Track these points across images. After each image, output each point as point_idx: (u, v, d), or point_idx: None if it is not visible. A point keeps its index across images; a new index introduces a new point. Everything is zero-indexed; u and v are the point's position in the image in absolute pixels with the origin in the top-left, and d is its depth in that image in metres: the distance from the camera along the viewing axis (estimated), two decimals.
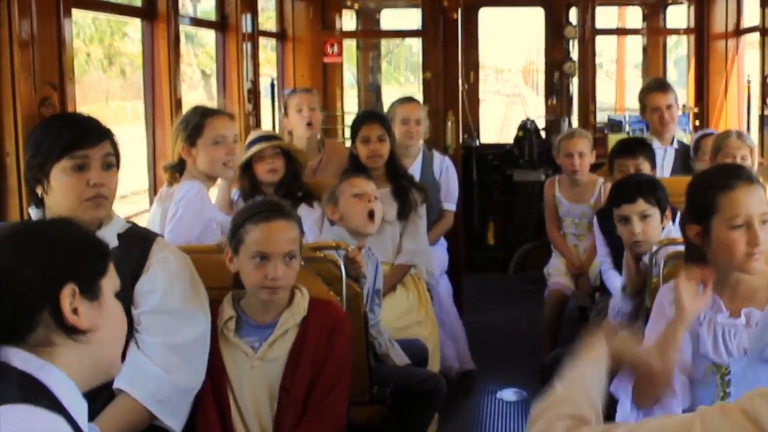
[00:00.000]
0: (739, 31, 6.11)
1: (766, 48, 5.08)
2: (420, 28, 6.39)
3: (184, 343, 2.40)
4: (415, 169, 4.78)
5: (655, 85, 5.03)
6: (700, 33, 6.49)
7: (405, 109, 4.79)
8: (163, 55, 4.00)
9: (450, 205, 4.96)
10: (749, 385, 2.30)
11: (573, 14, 7.15)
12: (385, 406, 3.01)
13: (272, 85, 5.77)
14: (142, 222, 3.24)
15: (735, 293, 2.41)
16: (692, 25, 6.74)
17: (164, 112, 3.98)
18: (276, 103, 5.73)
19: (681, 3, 7.10)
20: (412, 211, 4.23)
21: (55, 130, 2.37)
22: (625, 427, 1.28)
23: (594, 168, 5.05)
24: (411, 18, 7.34)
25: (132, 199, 8.60)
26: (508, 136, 8.08)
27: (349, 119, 7.35)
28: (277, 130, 5.31)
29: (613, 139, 6.15)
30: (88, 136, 2.35)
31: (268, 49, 6.32)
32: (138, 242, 2.43)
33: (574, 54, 7.13)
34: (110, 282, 1.60)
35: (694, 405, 2.47)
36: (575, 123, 7.01)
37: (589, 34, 6.61)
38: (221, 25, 4.79)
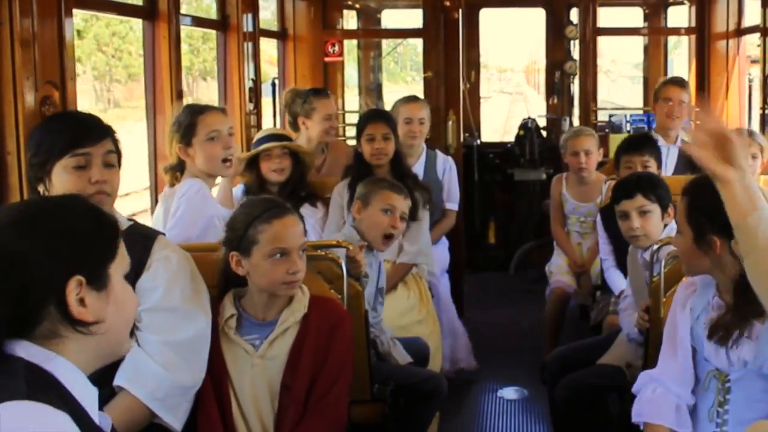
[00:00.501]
0: (739, 31, 6.11)
1: (766, 48, 5.08)
2: (421, 28, 6.38)
3: (185, 341, 2.40)
4: (418, 169, 4.78)
5: (675, 79, 5.09)
6: (701, 33, 6.49)
7: (408, 109, 4.79)
8: (165, 54, 4.00)
9: (452, 205, 4.97)
10: (746, 393, 2.35)
11: (573, 15, 7.16)
12: (385, 404, 3.01)
13: (273, 85, 5.77)
14: (145, 219, 3.24)
15: None
16: (693, 24, 6.74)
17: (165, 112, 3.98)
18: (277, 103, 5.74)
19: (682, 3, 7.10)
20: (417, 211, 4.23)
21: (57, 129, 2.38)
22: None
23: (596, 167, 5.06)
24: (413, 18, 7.34)
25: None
26: (511, 132, 8.07)
27: (350, 118, 7.36)
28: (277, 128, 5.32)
29: (613, 138, 6.16)
30: (89, 135, 2.35)
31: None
32: (140, 240, 2.43)
33: (575, 53, 7.14)
34: (119, 265, 1.55)
35: (697, 405, 2.48)
36: (576, 122, 7.02)
37: (590, 34, 6.61)
38: (222, 24, 4.80)
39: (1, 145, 2.76)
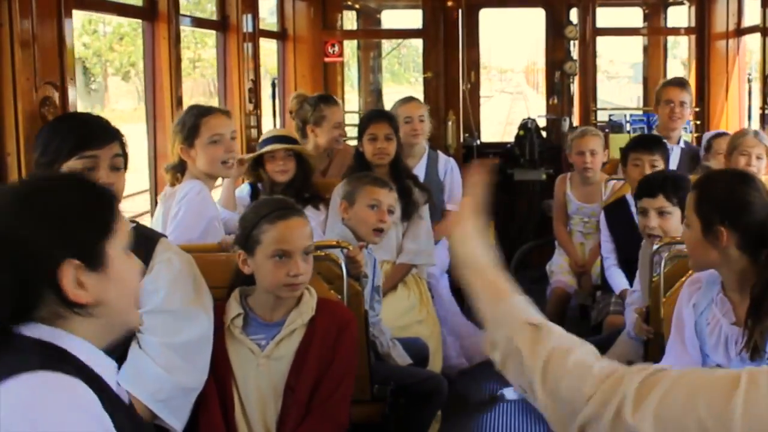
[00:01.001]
0: (739, 31, 6.11)
1: (766, 48, 5.09)
2: (421, 28, 6.39)
3: (186, 343, 2.40)
4: (419, 169, 4.79)
5: (674, 81, 5.09)
6: (701, 33, 6.49)
7: (407, 109, 4.81)
8: (164, 55, 4.01)
9: (453, 206, 4.97)
10: None
11: (573, 15, 7.16)
12: (385, 405, 3.01)
13: (273, 85, 5.77)
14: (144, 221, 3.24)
15: (745, 300, 2.39)
16: (693, 24, 6.74)
17: (165, 112, 3.99)
18: (277, 103, 5.74)
19: (682, 3, 7.10)
20: (416, 211, 4.24)
21: (65, 130, 2.38)
22: (669, 373, 1.24)
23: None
24: (413, 18, 7.33)
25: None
26: (512, 129, 8.09)
27: (350, 118, 7.36)
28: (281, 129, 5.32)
29: (614, 138, 6.16)
30: (97, 137, 2.36)
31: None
32: (142, 242, 2.43)
33: (575, 53, 7.14)
34: (118, 239, 1.51)
35: None
36: (576, 122, 7.01)
37: (590, 34, 6.62)
38: (222, 25, 4.80)
39: (1, 146, 2.76)
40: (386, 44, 8.94)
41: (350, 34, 7.48)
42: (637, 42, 7.93)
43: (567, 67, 7.17)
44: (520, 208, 7.29)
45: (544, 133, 7.15)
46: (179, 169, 3.46)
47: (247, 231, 2.59)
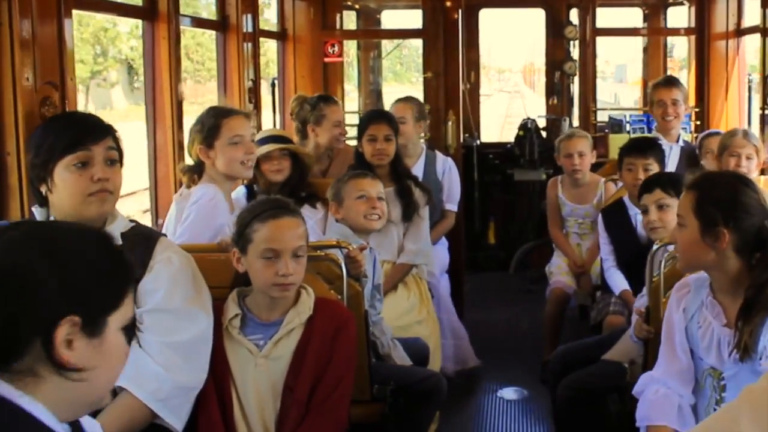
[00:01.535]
0: (739, 32, 6.11)
1: (766, 48, 5.08)
2: (421, 28, 6.39)
3: (186, 342, 2.41)
4: (417, 169, 4.79)
5: (662, 81, 5.04)
6: (701, 33, 6.49)
7: (395, 110, 4.86)
8: (164, 55, 4.00)
9: (452, 205, 4.97)
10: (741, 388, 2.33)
11: (573, 15, 7.16)
12: (385, 404, 3.01)
13: (273, 85, 5.77)
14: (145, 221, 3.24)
15: (736, 302, 2.39)
16: (693, 25, 6.74)
17: (165, 112, 3.99)
18: (277, 103, 5.74)
19: (682, 3, 7.11)
20: (417, 211, 4.24)
21: (57, 129, 2.38)
22: None
23: (595, 167, 5.06)
24: (413, 18, 7.34)
25: None
26: (511, 122, 8.11)
27: (350, 119, 7.36)
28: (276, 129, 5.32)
29: (613, 138, 6.17)
30: (90, 133, 2.35)
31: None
32: (142, 241, 2.44)
33: (575, 54, 7.14)
34: (122, 315, 1.42)
35: (696, 403, 2.49)
36: (576, 123, 7.02)
37: (590, 35, 6.61)
38: (222, 25, 4.80)
39: (1, 145, 2.76)
40: (387, 44, 8.94)
41: (350, 35, 7.48)
42: (626, 44, 7.93)
43: (567, 67, 7.17)
44: (520, 208, 7.30)
45: (543, 134, 7.16)
46: (196, 171, 3.46)
47: (241, 229, 2.60)
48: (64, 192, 2.33)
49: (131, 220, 2.53)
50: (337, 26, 6.90)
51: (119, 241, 2.38)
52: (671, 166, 4.77)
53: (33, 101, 2.77)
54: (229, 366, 2.57)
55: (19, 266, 1.32)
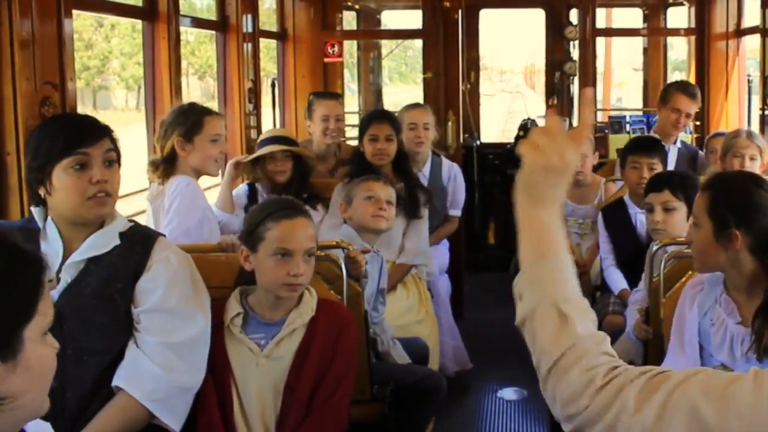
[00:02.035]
0: (739, 32, 6.11)
1: (766, 48, 5.08)
2: (421, 28, 6.39)
3: (183, 343, 2.40)
4: (423, 175, 4.79)
5: (687, 90, 4.98)
6: (701, 33, 6.49)
7: (413, 115, 4.79)
8: (164, 55, 4.01)
9: (455, 211, 5.00)
10: None
11: (573, 15, 7.16)
12: (385, 404, 3.01)
13: (273, 85, 5.78)
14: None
15: (752, 300, 2.39)
16: (693, 25, 6.74)
17: (165, 113, 3.99)
18: (276, 103, 5.74)
19: (682, 4, 7.10)
20: (419, 210, 4.25)
21: (54, 131, 2.37)
22: (674, 375, 1.25)
23: (595, 168, 5.06)
24: (414, 18, 7.34)
25: None
26: (513, 118, 8.12)
27: (350, 119, 7.36)
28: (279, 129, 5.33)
29: (613, 139, 6.16)
30: (87, 135, 2.35)
31: None
32: (140, 241, 2.44)
33: (575, 54, 7.14)
34: (39, 321, 1.23)
35: None
36: (576, 123, 7.01)
37: (590, 35, 6.61)
38: (222, 25, 4.80)
39: (1, 146, 2.76)
40: (387, 45, 8.94)
41: (350, 35, 7.48)
42: (617, 46, 7.94)
43: (567, 67, 7.17)
44: None
45: None
46: (168, 164, 3.48)
47: (252, 227, 2.60)
48: (63, 194, 2.32)
49: (130, 220, 2.53)
50: (338, 26, 6.89)
51: (117, 241, 2.39)
52: (669, 167, 4.78)
53: (33, 101, 2.77)
54: (230, 365, 2.57)
55: None
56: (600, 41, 10.81)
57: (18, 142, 2.72)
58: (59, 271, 2.34)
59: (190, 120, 3.45)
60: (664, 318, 2.85)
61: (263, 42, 5.40)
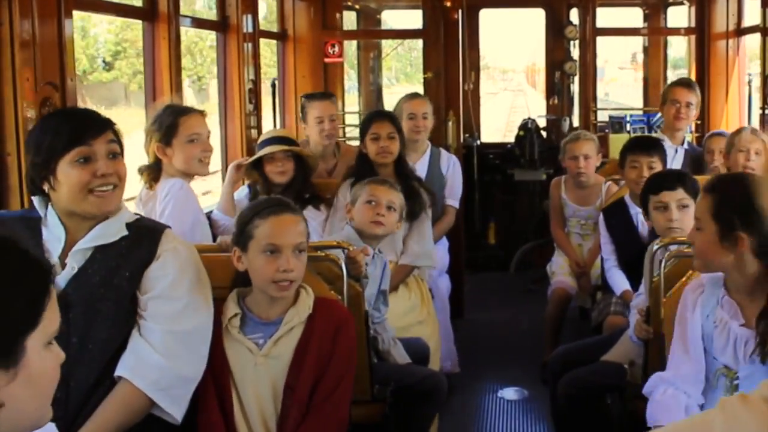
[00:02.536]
0: (739, 31, 6.11)
1: (766, 48, 5.09)
2: (421, 28, 6.39)
3: (187, 332, 2.41)
4: (422, 165, 4.81)
5: (682, 81, 5.10)
6: (701, 33, 6.49)
7: (412, 105, 4.84)
8: (164, 55, 4.01)
9: (453, 201, 4.98)
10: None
11: (573, 15, 7.16)
12: (386, 405, 3.01)
13: (273, 85, 5.78)
14: None
15: (754, 301, 2.39)
16: (693, 25, 6.74)
17: None
18: (277, 104, 5.74)
19: (682, 3, 7.10)
20: (422, 211, 4.24)
21: (56, 126, 2.36)
22: None
23: (596, 168, 5.05)
24: (414, 18, 7.34)
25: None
26: (516, 113, 8.13)
27: (350, 119, 7.37)
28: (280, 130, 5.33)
29: (614, 138, 6.16)
30: (89, 128, 2.35)
31: None
32: (147, 232, 2.45)
33: (575, 54, 7.14)
34: (43, 330, 1.21)
35: (705, 404, 2.49)
36: (576, 122, 7.01)
37: (590, 35, 6.61)
38: (222, 25, 4.80)
39: (1, 146, 2.76)
40: (389, 45, 8.94)
41: (350, 35, 7.48)
42: (609, 44, 7.94)
43: (567, 67, 7.17)
44: (520, 208, 7.29)
45: (544, 134, 7.15)
46: (155, 169, 3.49)
47: (242, 227, 2.61)
48: (68, 188, 2.32)
49: (135, 213, 2.54)
50: (338, 26, 6.89)
51: (125, 232, 2.40)
52: (676, 168, 4.77)
53: (34, 101, 2.77)
54: (229, 365, 2.57)
55: None
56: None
57: (18, 142, 2.72)
58: (64, 257, 2.35)
59: (165, 123, 3.42)
60: (664, 318, 2.85)
61: (264, 43, 5.40)
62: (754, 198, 2.37)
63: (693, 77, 6.59)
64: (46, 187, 2.35)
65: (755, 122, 5.58)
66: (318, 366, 2.55)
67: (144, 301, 2.39)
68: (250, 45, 4.94)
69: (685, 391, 2.48)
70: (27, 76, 2.75)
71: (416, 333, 3.91)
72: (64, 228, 2.37)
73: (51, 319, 1.21)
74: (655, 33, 7.58)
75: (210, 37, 5.66)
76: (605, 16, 6.76)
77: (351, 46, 7.97)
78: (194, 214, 3.39)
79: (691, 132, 6.16)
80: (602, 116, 6.92)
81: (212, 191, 7.03)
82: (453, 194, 4.98)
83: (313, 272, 2.83)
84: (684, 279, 2.78)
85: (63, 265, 2.33)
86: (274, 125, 5.65)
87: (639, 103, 7.72)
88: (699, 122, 6.36)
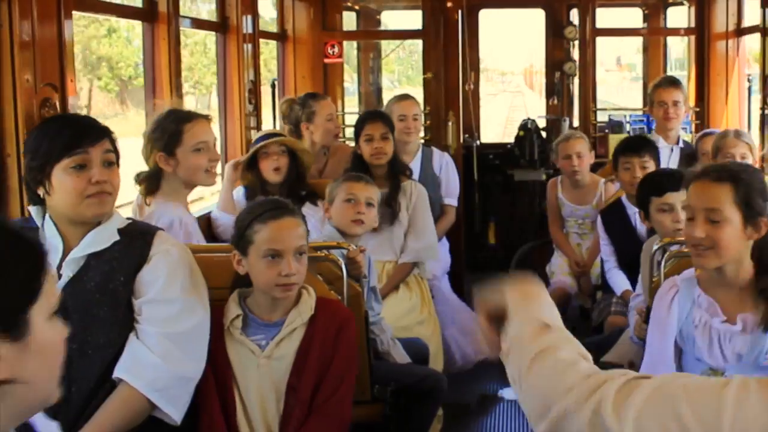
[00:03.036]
0: (739, 31, 6.11)
1: (766, 48, 5.09)
2: (421, 29, 6.39)
3: (184, 333, 2.42)
4: (414, 166, 4.80)
5: (664, 81, 5.06)
6: (701, 33, 6.49)
7: (402, 107, 4.84)
8: (164, 56, 4.01)
9: (451, 200, 4.98)
10: None
11: (573, 15, 7.15)
12: (385, 405, 3.01)
13: (273, 86, 5.78)
14: None
15: (732, 298, 2.38)
16: (693, 25, 6.74)
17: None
18: (277, 104, 5.74)
19: (682, 3, 7.10)
20: (396, 218, 4.24)
21: (53, 131, 2.37)
22: (651, 380, 1.24)
23: (595, 168, 5.06)
24: (414, 19, 7.34)
25: None
26: (513, 120, 8.15)
27: (349, 119, 7.36)
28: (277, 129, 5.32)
29: (614, 138, 6.16)
30: (86, 136, 2.35)
31: None
32: (139, 236, 2.45)
33: (575, 54, 7.14)
34: (45, 303, 1.25)
35: None
36: (576, 123, 7.01)
37: (590, 35, 6.61)
38: (222, 26, 4.80)
39: (1, 147, 2.76)
40: (389, 45, 8.94)
41: (350, 35, 7.48)
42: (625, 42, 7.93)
43: (567, 67, 7.16)
44: (520, 208, 7.29)
45: (544, 134, 7.15)
46: (154, 179, 3.21)
47: (241, 231, 2.60)
48: (62, 195, 2.33)
49: (128, 218, 2.54)
50: (338, 27, 6.89)
51: (117, 237, 2.40)
52: (672, 167, 4.77)
53: (33, 103, 2.78)
54: (232, 367, 2.57)
55: None
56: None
57: (18, 143, 2.72)
58: (60, 267, 2.35)
59: (168, 132, 3.14)
60: None
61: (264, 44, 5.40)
62: (765, 182, 2.36)
63: (693, 78, 6.60)
64: (41, 192, 2.36)
65: (755, 122, 5.58)
66: (320, 366, 2.55)
67: (138, 305, 2.39)
68: (249, 46, 4.94)
69: None
70: (27, 76, 2.75)
71: (417, 333, 3.91)
72: (61, 237, 2.38)
73: (51, 292, 1.25)
74: (655, 33, 7.57)
75: None
76: (602, 17, 6.75)
77: (351, 47, 7.97)
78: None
79: (690, 132, 6.16)
80: (602, 117, 6.92)
81: (204, 197, 6.99)
82: (450, 193, 4.97)
83: (313, 272, 2.83)
84: (670, 279, 2.77)
85: (60, 276, 2.33)
86: (274, 125, 5.65)
87: (628, 102, 7.69)
88: (698, 122, 6.37)
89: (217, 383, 2.54)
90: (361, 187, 3.58)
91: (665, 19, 7.53)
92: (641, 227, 4.00)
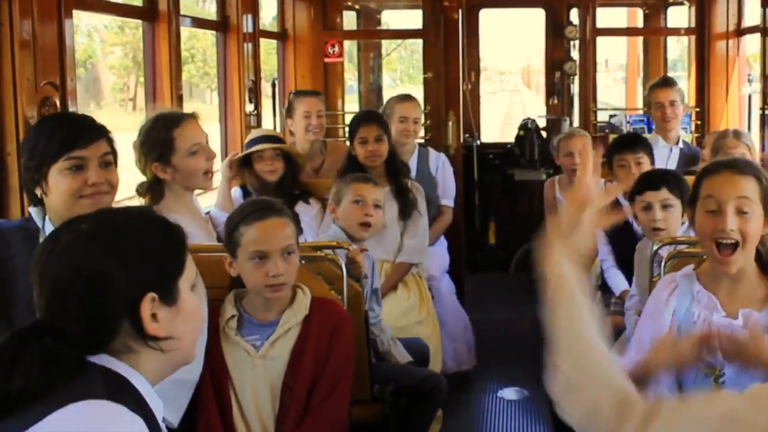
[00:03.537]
0: (739, 31, 6.11)
1: (766, 48, 5.09)
2: (421, 28, 6.38)
3: None
4: (411, 166, 4.79)
5: (660, 82, 5.09)
6: (701, 33, 6.48)
7: (404, 108, 4.82)
8: (165, 55, 4.00)
9: (448, 201, 4.97)
10: (742, 386, 2.30)
11: (573, 15, 7.16)
12: (385, 404, 3.01)
13: (273, 85, 5.78)
14: None
15: (732, 293, 2.37)
16: (693, 25, 6.74)
17: None
18: (277, 103, 5.74)
19: (682, 3, 7.10)
20: (414, 209, 4.24)
21: (50, 131, 2.35)
22: (671, 404, 1.25)
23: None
24: (414, 18, 7.34)
25: None
26: (512, 120, 8.14)
27: (349, 119, 7.36)
28: (278, 130, 5.33)
29: (613, 138, 6.16)
30: (83, 136, 2.33)
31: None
32: None
33: (575, 54, 7.14)
34: (188, 275, 1.55)
35: None
36: (576, 123, 7.01)
37: (590, 35, 6.61)
38: (222, 25, 4.80)
39: (1, 146, 2.76)
40: (389, 45, 8.94)
41: (350, 35, 7.48)
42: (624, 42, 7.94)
43: (567, 67, 7.17)
44: (520, 208, 7.29)
45: (544, 134, 7.15)
46: (156, 188, 3.13)
47: (230, 233, 2.61)
48: (58, 195, 2.32)
49: None
50: (338, 26, 6.89)
51: None
52: (671, 167, 4.77)
53: (33, 102, 2.77)
54: (227, 367, 2.58)
55: (85, 269, 1.43)
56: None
57: (18, 142, 2.72)
58: None
59: (159, 141, 3.05)
60: None
61: (264, 44, 5.40)
62: None
63: (693, 78, 6.60)
64: (39, 192, 2.34)
65: (755, 122, 5.58)
66: (315, 366, 2.55)
67: None
68: (250, 45, 4.94)
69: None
70: (27, 76, 2.75)
71: (416, 333, 3.91)
72: None
73: (191, 268, 1.56)
74: (655, 33, 7.58)
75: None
76: (601, 17, 6.75)
77: (352, 45, 7.97)
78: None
79: (690, 132, 6.16)
80: (602, 116, 6.92)
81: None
82: (446, 194, 4.96)
83: (314, 272, 2.83)
84: (669, 274, 2.77)
85: None
86: (274, 125, 5.65)
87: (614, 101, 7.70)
88: (699, 122, 6.37)
89: (213, 383, 2.54)
90: (370, 189, 3.58)
91: (665, 19, 7.53)
92: (638, 226, 4.00)
